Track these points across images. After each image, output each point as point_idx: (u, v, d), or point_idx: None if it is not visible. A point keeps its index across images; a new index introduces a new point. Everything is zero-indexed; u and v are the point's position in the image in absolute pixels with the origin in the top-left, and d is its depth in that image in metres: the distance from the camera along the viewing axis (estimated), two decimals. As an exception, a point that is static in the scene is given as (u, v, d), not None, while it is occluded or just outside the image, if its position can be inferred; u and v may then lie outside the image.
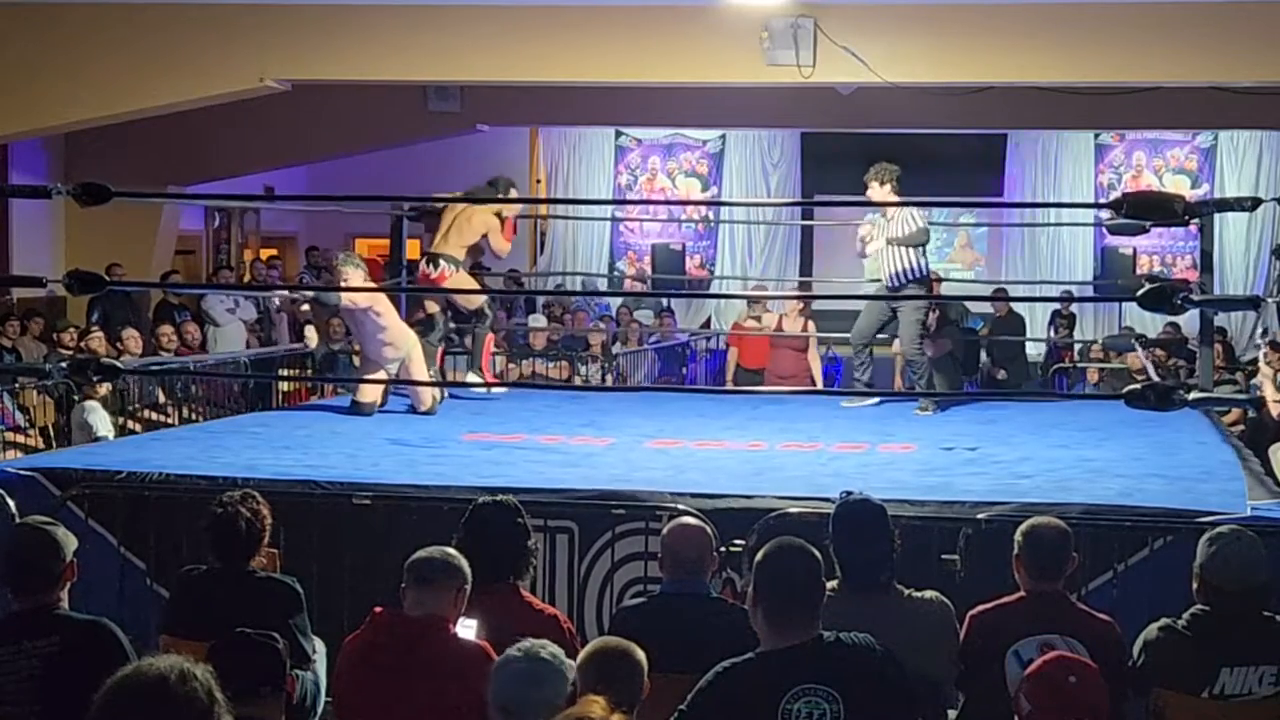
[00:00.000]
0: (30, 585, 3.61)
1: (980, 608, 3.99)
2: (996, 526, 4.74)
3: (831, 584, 3.61)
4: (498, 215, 8.36)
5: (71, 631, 3.52)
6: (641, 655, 3.23)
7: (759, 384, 9.92)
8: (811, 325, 10.36)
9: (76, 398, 8.56)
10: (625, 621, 4.03)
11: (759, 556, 3.35)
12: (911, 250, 8.06)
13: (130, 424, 9.09)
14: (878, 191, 8.04)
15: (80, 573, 3.83)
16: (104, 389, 8.62)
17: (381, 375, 7.84)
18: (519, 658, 3.12)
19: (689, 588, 4.03)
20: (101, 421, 8.44)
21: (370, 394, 7.89)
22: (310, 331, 8.78)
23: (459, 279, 8.25)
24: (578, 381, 11.45)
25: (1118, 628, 3.92)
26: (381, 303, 7.81)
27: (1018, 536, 4.01)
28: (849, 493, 4.14)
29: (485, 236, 8.33)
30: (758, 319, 10.76)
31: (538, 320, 13.16)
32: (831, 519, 3.99)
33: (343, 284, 7.80)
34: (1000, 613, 3.95)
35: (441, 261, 8.20)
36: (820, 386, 10.38)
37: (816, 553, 3.36)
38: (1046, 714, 3.15)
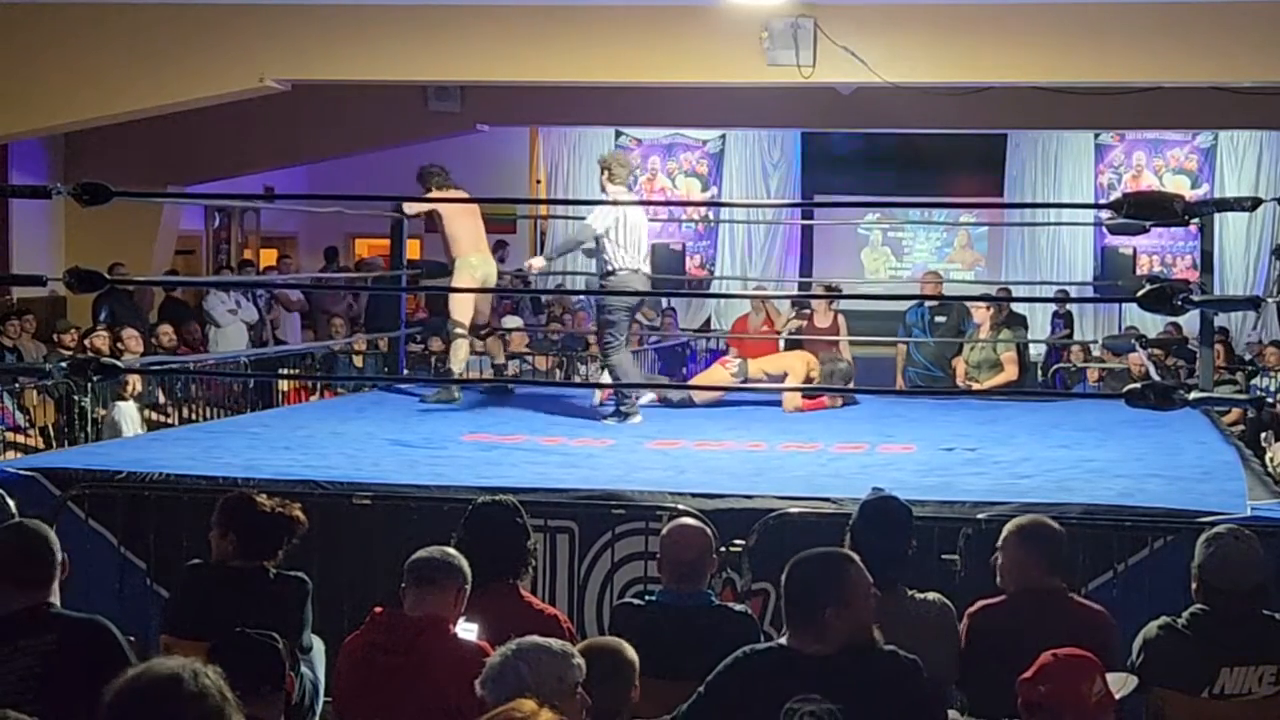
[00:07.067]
0: (26, 583, 3.61)
1: (981, 603, 4.01)
2: (996, 526, 4.73)
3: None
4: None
5: (68, 629, 3.51)
6: (632, 654, 3.23)
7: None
8: (841, 319, 10.30)
9: (106, 399, 8.74)
10: (624, 617, 4.05)
11: (794, 558, 3.33)
12: None
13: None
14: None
15: (80, 573, 3.82)
16: (132, 388, 8.77)
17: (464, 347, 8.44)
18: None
19: (688, 595, 4.01)
20: (129, 421, 8.59)
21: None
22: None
23: (719, 374, 8.79)
24: (577, 380, 11.43)
25: (1108, 615, 3.96)
26: (454, 221, 8.35)
27: (1016, 535, 4.02)
28: (879, 489, 4.20)
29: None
30: (805, 319, 10.53)
31: (514, 321, 13.19)
32: (858, 510, 4.07)
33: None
34: (1002, 608, 3.96)
35: (730, 356, 9.24)
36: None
37: (855, 558, 3.35)
38: (1049, 710, 3.14)
